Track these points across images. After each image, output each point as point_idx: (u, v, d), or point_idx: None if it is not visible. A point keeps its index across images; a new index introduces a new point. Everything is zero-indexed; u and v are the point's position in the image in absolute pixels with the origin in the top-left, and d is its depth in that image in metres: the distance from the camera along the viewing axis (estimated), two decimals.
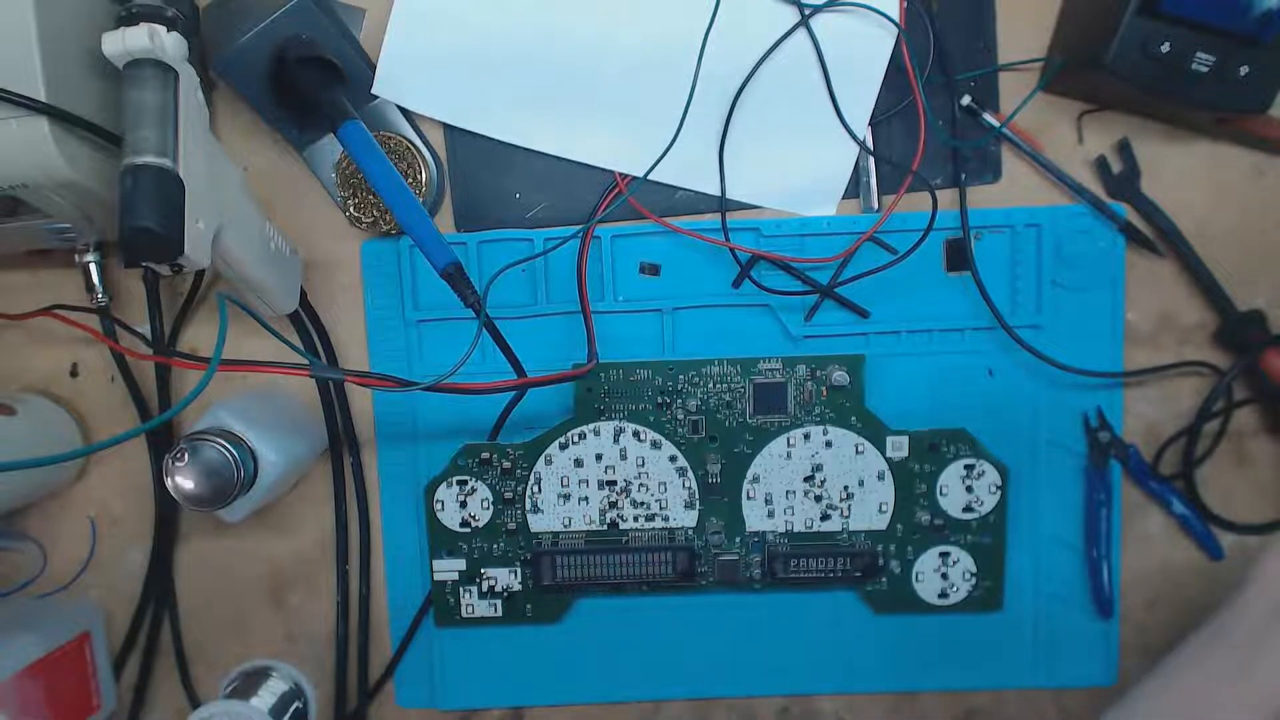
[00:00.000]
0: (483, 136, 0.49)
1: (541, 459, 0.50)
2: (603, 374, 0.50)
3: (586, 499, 0.51)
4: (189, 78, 0.37)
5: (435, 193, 0.49)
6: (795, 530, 0.51)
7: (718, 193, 0.49)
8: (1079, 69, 0.46)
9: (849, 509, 0.50)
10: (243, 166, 0.50)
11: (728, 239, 0.49)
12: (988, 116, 0.48)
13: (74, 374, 0.52)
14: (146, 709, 0.54)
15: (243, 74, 0.44)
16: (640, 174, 0.48)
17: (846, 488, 0.50)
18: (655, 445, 0.50)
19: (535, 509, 0.51)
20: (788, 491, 0.50)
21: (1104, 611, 0.51)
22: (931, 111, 0.48)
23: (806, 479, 0.50)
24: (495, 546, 0.51)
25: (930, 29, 0.48)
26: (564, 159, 0.49)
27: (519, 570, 0.51)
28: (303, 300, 0.50)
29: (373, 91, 0.48)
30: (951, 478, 0.50)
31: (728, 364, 0.50)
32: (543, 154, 0.49)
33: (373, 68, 0.48)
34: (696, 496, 0.51)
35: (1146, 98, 0.45)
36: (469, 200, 0.50)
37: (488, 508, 0.51)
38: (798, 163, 0.49)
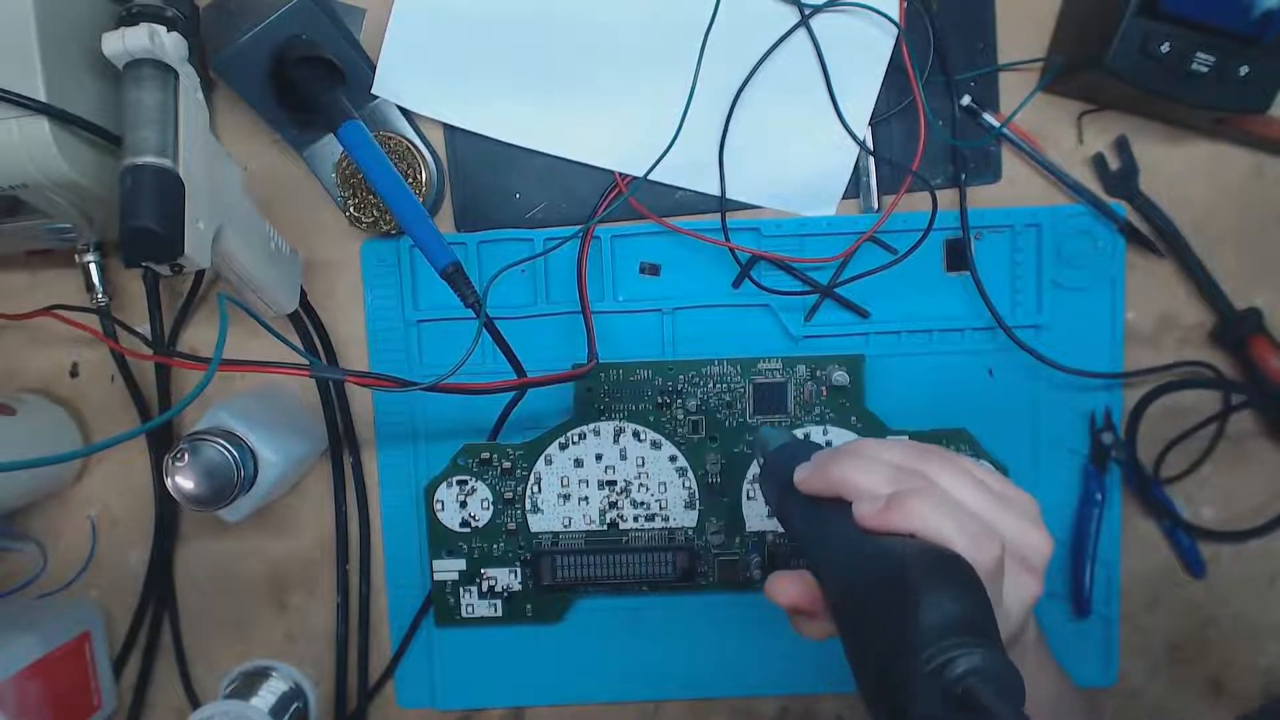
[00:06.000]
0: (483, 136, 0.49)
1: (541, 459, 0.50)
2: (603, 374, 0.50)
3: (586, 499, 0.51)
4: (189, 78, 0.37)
5: (435, 193, 0.49)
6: None
7: (718, 193, 0.49)
8: (1079, 69, 0.46)
9: None
10: (243, 166, 0.50)
11: (728, 239, 0.49)
12: (988, 116, 0.48)
13: (74, 374, 0.52)
14: (146, 709, 0.54)
15: (243, 74, 0.44)
16: (640, 174, 0.48)
17: None
18: (655, 445, 0.50)
19: (535, 509, 0.51)
20: None
21: (1080, 610, 0.51)
22: (931, 111, 0.48)
23: None
24: (495, 546, 0.51)
25: (930, 29, 0.48)
26: (564, 159, 0.49)
27: (519, 570, 0.51)
28: (303, 300, 0.50)
29: (373, 91, 0.48)
30: None
31: (728, 364, 0.50)
32: (543, 154, 0.49)
33: (373, 68, 0.48)
34: (696, 496, 0.51)
35: (1146, 98, 0.45)
36: (469, 200, 0.50)
37: (488, 508, 0.51)
38: (798, 163, 0.49)
